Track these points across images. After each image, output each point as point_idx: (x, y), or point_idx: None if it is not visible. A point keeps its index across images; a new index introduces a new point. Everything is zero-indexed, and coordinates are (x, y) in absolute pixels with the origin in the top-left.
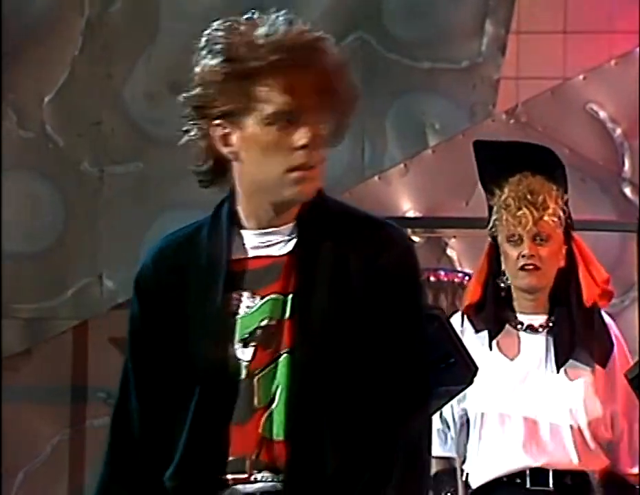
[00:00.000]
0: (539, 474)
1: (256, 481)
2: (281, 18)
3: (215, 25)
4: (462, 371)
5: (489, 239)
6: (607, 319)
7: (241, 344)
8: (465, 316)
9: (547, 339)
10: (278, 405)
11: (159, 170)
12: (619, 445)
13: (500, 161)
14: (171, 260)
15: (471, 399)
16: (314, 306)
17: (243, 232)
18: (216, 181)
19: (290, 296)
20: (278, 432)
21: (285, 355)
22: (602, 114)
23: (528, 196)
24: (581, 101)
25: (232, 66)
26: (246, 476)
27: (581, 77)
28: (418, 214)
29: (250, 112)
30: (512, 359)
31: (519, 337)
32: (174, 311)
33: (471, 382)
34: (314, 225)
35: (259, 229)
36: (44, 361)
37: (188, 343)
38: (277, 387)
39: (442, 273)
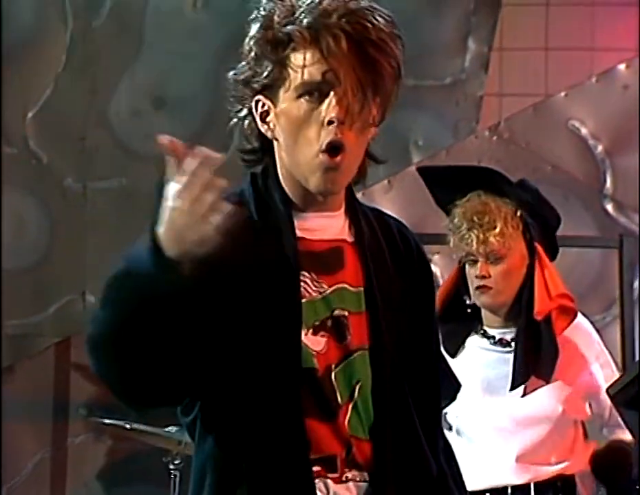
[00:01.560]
0: (520, 490)
1: (347, 480)
2: None
3: None
4: (446, 387)
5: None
6: (587, 325)
7: (310, 331)
8: None
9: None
10: (359, 403)
11: (143, 186)
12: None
13: (448, 185)
14: None
15: (450, 414)
16: (386, 301)
17: (293, 212)
18: (260, 161)
19: (362, 290)
20: (363, 431)
21: (361, 351)
22: (583, 131)
23: (475, 218)
24: (563, 118)
25: (267, 32)
26: (337, 475)
27: (562, 94)
28: None
29: (282, 83)
30: (481, 374)
31: (488, 352)
32: (235, 281)
33: (454, 398)
34: (361, 216)
35: (309, 211)
36: (26, 378)
37: (249, 322)
38: (357, 383)
39: None
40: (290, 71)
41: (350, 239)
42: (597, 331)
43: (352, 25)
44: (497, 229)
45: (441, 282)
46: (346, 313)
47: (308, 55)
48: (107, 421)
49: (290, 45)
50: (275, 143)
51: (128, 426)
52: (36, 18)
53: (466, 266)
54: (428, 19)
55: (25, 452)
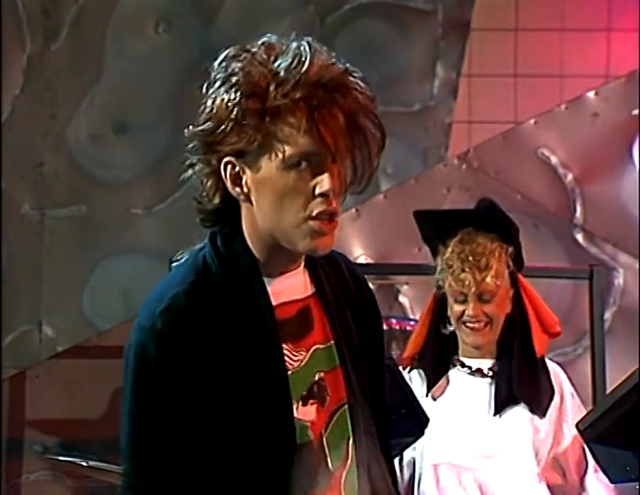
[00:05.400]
0: None
1: None
2: (303, 48)
3: (229, 51)
4: (414, 422)
5: (435, 288)
6: (555, 367)
7: (300, 402)
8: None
9: (493, 383)
10: (354, 461)
11: (102, 213)
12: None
13: (441, 225)
14: (205, 307)
15: (421, 450)
16: (355, 351)
17: (264, 278)
18: (221, 221)
19: (332, 345)
20: (355, 490)
21: (343, 407)
22: (553, 159)
23: (470, 258)
24: (533, 146)
25: (250, 101)
26: None
27: (532, 121)
28: (369, 260)
29: (267, 152)
30: (458, 405)
31: (466, 382)
32: (217, 366)
33: (422, 433)
34: (317, 266)
35: (278, 275)
36: None
37: (236, 402)
38: (348, 440)
39: (394, 321)
40: (279, 142)
41: (312, 290)
42: (568, 364)
43: (345, 96)
44: (493, 271)
45: (410, 314)
46: (322, 375)
47: (303, 128)
48: (63, 458)
49: (276, 117)
50: (245, 206)
51: (85, 464)
52: None
53: (451, 301)
54: (396, 45)
55: None
